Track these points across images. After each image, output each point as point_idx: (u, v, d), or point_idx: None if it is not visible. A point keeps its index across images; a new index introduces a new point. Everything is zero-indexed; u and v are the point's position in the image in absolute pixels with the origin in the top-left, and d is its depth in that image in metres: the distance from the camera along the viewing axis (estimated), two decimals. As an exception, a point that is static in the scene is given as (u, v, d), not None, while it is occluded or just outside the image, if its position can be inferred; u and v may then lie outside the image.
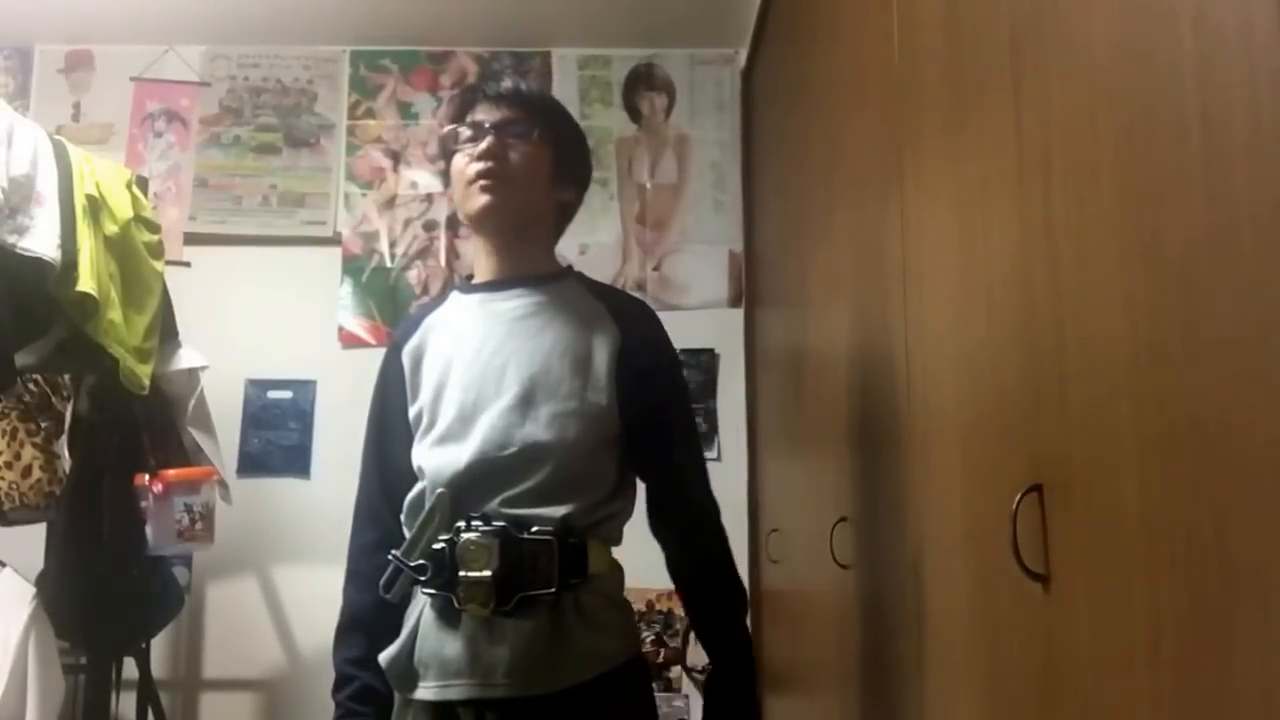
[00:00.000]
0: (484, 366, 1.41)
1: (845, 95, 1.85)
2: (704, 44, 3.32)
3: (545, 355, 1.41)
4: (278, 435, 3.17)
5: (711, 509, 1.54)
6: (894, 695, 1.49)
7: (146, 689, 2.62)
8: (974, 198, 1.18)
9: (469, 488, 1.36)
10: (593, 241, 3.21)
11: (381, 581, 1.37)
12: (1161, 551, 0.76)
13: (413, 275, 3.24)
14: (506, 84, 1.49)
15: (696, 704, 2.96)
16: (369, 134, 3.34)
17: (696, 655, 2.99)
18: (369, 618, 1.43)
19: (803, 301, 2.28)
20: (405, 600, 1.39)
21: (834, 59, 1.96)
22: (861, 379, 1.71)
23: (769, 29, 2.84)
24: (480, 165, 1.42)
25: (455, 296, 1.54)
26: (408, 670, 1.36)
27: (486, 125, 1.45)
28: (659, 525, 1.52)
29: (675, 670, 3.01)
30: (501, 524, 1.32)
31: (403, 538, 1.40)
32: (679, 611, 3.00)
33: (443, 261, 3.24)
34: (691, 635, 2.99)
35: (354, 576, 1.48)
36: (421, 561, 1.33)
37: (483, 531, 1.31)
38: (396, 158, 3.32)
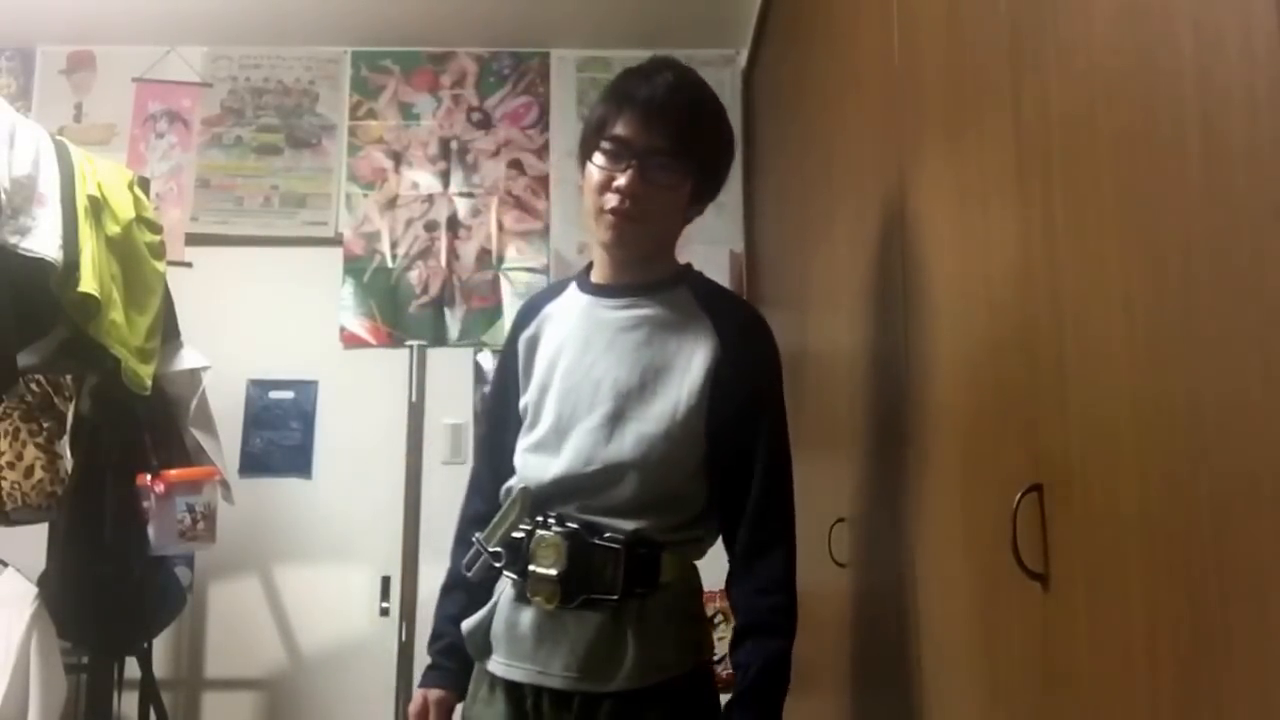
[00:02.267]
0: (582, 378, 1.42)
1: (845, 96, 1.85)
2: (704, 45, 3.32)
3: (642, 372, 1.40)
4: (279, 435, 3.17)
5: (789, 543, 1.45)
6: (893, 694, 1.49)
7: (148, 689, 2.62)
8: (974, 198, 1.18)
9: (552, 497, 1.40)
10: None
11: (464, 560, 1.44)
12: (1160, 551, 0.77)
13: (414, 275, 3.24)
14: (660, 95, 1.39)
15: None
16: (370, 134, 3.34)
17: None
18: (469, 580, 1.48)
19: (803, 301, 2.29)
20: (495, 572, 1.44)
21: (834, 60, 1.97)
22: (861, 379, 1.71)
23: (769, 30, 2.85)
24: (615, 201, 1.39)
25: (573, 289, 1.52)
26: (484, 642, 1.43)
27: (632, 151, 1.38)
28: (739, 544, 1.45)
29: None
30: (575, 526, 1.36)
31: None
32: (680, 611, 2.99)
33: (444, 262, 3.25)
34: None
35: (460, 543, 1.54)
36: (498, 549, 1.39)
37: (556, 531, 1.36)
38: (398, 158, 3.32)
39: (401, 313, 3.23)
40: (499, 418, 1.56)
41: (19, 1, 3.14)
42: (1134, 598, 0.80)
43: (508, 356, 1.56)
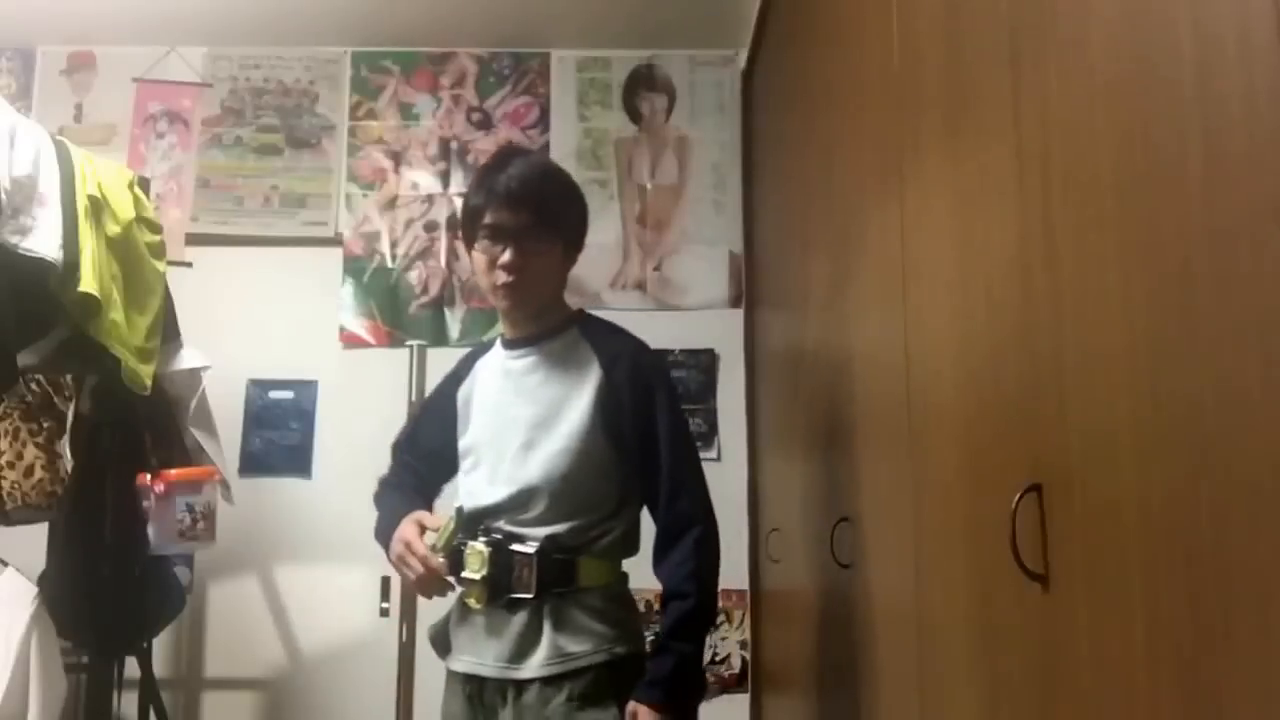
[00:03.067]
0: (503, 421, 1.70)
1: (845, 96, 1.86)
2: (704, 45, 3.32)
3: (545, 406, 1.67)
4: (279, 435, 3.18)
5: (703, 522, 1.66)
6: (893, 694, 1.49)
7: (148, 688, 2.62)
8: (973, 198, 1.18)
9: (487, 515, 1.65)
10: (592, 241, 3.14)
11: None
12: (1160, 551, 0.77)
13: (414, 276, 3.25)
14: (515, 184, 1.65)
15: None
16: (370, 135, 3.34)
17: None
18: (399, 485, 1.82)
19: (803, 301, 2.29)
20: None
21: (834, 60, 1.97)
22: (861, 379, 1.72)
23: (769, 30, 2.85)
24: (503, 277, 1.66)
25: (496, 347, 1.80)
26: (445, 642, 1.70)
27: (505, 233, 1.65)
28: (658, 530, 1.68)
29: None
30: (499, 537, 1.61)
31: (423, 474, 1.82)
32: (679, 611, 3.00)
33: (443, 262, 3.25)
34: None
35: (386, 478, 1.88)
36: (442, 560, 1.62)
37: (483, 541, 1.61)
38: (398, 158, 3.32)
39: (401, 313, 3.23)
40: (426, 422, 1.87)
41: (19, 1, 3.14)
42: (1134, 598, 0.80)
43: (447, 397, 1.82)
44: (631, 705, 1.56)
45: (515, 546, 1.60)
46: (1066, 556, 0.93)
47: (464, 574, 1.61)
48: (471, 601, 1.62)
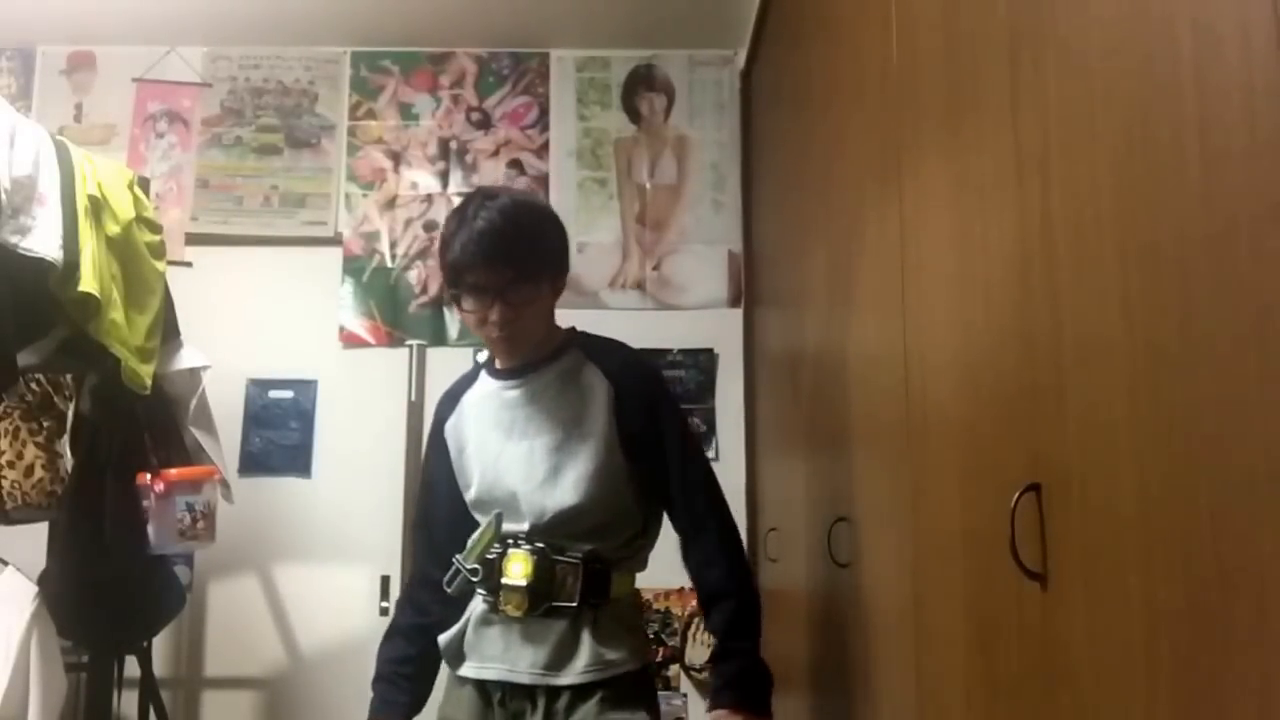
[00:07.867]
0: (514, 452, 1.67)
1: (844, 96, 1.86)
2: (703, 45, 3.32)
3: (561, 430, 1.65)
4: (279, 435, 3.18)
5: (719, 518, 1.70)
6: (892, 694, 1.50)
7: (148, 687, 2.62)
8: (972, 197, 1.18)
9: (528, 536, 1.63)
10: (592, 241, 3.22)
11: (445, 578, 1.65)
12: (1158, 550, 0.77)
13: (413, 275, 3.25)
14: (487, 240, 1.58)
15: (695, 702, 2.97)
16: (370, 135, 3.34)
17: (694, 654, 3.00)
18: (406, 631, 1.78)
19: (802, 301, 2.29)
20: (432, 616, 1.73)
21: (833, 60, 1.97)
22: (860, 378, 1.72)
23: (768, 30, 2.85)
24: (495, 332, 1.63)
25: (484, 376, 1.77)
26: (458, 651, 1.69)
27: (489, 290, 1.61)
28: (679, 534, 1.72)
29: (674, 669, 3.02)
30: (542, 546, 1.61)
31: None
32: (676, 610, 3.01)
33: (443, 262, 3.25)
34: (690, 634, 3.00)
35: (403, 604, 1.86)
36: (475, 566, 1.62)
37: (525, 550, 1.60)
38: (397, 158, 3.32)
39: (401, 312, 3.23)
40: (431, 500, 1.81)
41: (19, 1, 3.14)
42: (1133, 597, 0.80)
43: (435, 446, 1.79)
44: (714, 713, 1.60)
45: (560, 556, 1.60)
46: (1065, 556, 0.93)
47: (505, 580, 1.59)
48: (510, 609, 1.60)
